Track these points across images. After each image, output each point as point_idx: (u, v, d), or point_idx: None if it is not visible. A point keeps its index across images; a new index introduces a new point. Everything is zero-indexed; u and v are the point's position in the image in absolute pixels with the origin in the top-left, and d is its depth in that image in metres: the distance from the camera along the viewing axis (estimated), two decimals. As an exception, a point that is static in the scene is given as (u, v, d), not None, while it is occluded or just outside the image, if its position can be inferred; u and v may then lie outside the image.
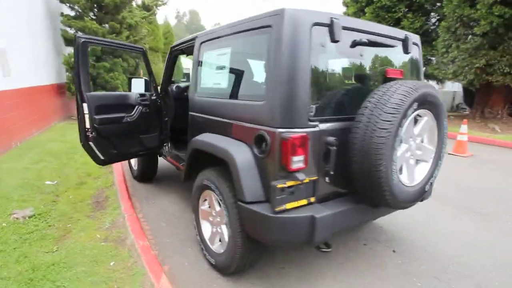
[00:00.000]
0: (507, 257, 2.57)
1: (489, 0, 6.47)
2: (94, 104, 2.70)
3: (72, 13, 8.32)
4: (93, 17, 8.49)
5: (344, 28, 1.81)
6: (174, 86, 3.80)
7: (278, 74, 1.71)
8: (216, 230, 2.33)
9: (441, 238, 2.86)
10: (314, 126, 1.77)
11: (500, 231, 3.02)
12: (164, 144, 3.51)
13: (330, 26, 1.77)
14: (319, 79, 1.83)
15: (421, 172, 2.05)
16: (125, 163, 4.65)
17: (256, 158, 1.87)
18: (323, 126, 1.81)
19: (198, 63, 2.55)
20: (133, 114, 3.05)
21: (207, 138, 2.22)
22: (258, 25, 1.88)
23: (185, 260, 2.48)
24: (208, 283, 2.20)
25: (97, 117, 2.72)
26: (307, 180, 1.76)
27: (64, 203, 3.34)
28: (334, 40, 1.78)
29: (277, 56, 1.71)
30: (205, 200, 2.42)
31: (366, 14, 9.94)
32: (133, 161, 4.36)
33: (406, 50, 2.22)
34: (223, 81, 2.24)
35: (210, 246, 2.38)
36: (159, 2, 17.32)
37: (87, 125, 2.69)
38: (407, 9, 9.28)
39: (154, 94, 3.28)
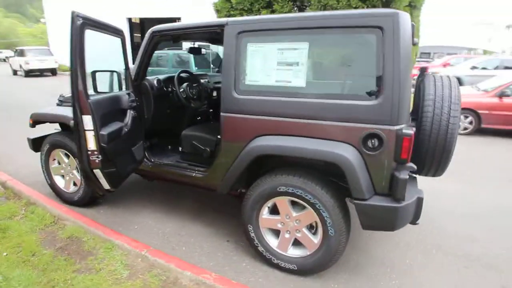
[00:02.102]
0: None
1: (348, -6, 8.07)
2: (99, 114, 1.86)
3: None
4: None
5: None
6: (154, 80, 3.00)
7: (394, 75, 1.80)
8: (290, 235, 2.25)
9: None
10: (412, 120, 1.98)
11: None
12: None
13: (413, 28, 1.97)
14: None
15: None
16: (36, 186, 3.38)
17: (363, 155, 1.93)
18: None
19: (237, 56, 2.19)
20: (127, 122, 2.29)
21: (287, 142, 2.05)
22: (360, 24, 1.85)
23: (254, 276, 2.28)
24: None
25: (104, 133, 1.90)
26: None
27: (8, 268, 2.22)
28: (414, 43, 2.00)
29: (394, 57, 1.78)
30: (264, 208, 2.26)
31: (237, -5, 10.28)
32: (62, 182, 3.26)
33: None
34: (297, 79, 2.05)
35: (283, 253, 2.29)
36: None
37: (91, 146, 1.85)
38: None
39: (131, 93, 2.53)
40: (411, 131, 1.84)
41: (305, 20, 1.99)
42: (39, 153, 3.29)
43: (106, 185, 2.11)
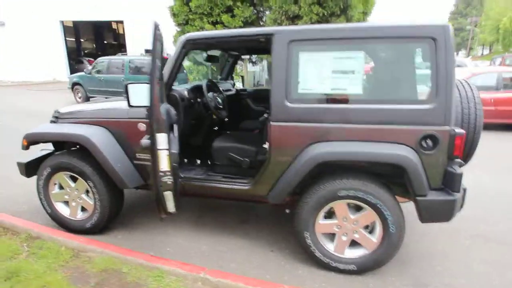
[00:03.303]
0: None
1: (308, 1, 8.48)
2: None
3: None
4: None
5: None
6: (184, 91, 2.79)
7: (447, 80, 1.99)
8: (347, 237, 2.33)
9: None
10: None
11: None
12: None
13: None
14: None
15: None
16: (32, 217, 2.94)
17: (420, 155, 2.09)
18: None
19: (288, 65, 2.20)
20: (176, 137, 2.13)
21: (350, 148, 2.12)
22: (414, 35, 2.01)
23: (316, 282, 2.30)
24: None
25: (175, 151, 1.74)
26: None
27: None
28: None
29: (447, 64, 1.97)
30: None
31: (192, 0, 10.07)
32: (66, 209, 2.91)
33: None
34: (353, 86, 2.13)
35: (341, 255, 2.36)
36: None
37: (164, 166, 1.68)
38: (236, -2, 10.26)
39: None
40: (463, 130, 2.06)
41: (361, 31, 2.09)
42: (26, 177, 2.88)
43: (172, 208, 1.93)
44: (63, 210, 2.92)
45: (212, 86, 3.21)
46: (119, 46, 27.65)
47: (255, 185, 2.46)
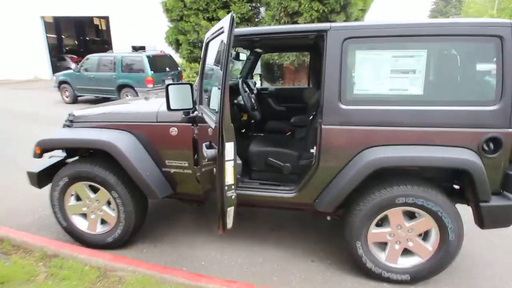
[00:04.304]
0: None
1: (309, -3, 8.38)
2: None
3: None
4: None
5: None
6: None
7: (513, 81, 1.89)
8: (400, 245, 2.21)
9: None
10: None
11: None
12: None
13: None
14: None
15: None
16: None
17: (482, 159, 1.98)
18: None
19: (342, 64, 2.04)
20: None
21: (410, 152, 1.98)
22: (479, 33, 1.89)
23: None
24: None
25: (240, 161, 1.55)
26: None
27: None
28: None
29: (514, 65, 1.87)
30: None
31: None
32: (84, 222, 2.66)
33: None
34: (414, 86, 1.99)
35: (393, 265, 2.24)
36: None
37: (230, 179, 1.49)
38: (233, -6, 9.97)
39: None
40: (527, 132, 1.96)
41: (423, 28, 1.95)
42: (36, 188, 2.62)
43: (230, 223, 1.73)
44: (81, 224, 2.66)
45: (245, 85, 3.02)
46: (102, 43, 26.71)
47: (301, 192, 2.30)
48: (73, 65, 16.46)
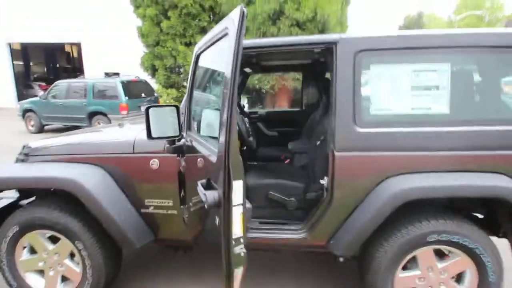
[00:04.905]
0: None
1: (287, 22, 8.36)
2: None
3: None
4: None
5: None
6: None
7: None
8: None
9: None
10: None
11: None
12: None
13: None
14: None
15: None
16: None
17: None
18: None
19: (356, 80, 1.76)
20: None
21: (441, 181, 1.68)
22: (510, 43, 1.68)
23: None
24: None
25: (250, 205, 1.16)
26: None
27: None
28: None
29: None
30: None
31: (171, 19, 9.52)
32: (40, 281, 2.12)
33: None
34: (438, 105, 1.73)
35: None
36: None
37: (238, 231, 1.09)
38: (211, 19, 9.86)
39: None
40: None
41: (446, 38, 1.72)
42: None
43: (237, 286, 1.29)
44: (36, 283, 2.12)
45: (238, 107, 2.67)
46: (74, 70, 25.87)
47: (311, 233, 1.92)
48: (41, 93, 15.63)
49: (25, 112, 9.99)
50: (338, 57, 1.76)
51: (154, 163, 1.94)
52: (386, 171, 1.77)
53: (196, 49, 1.85)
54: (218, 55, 1.44)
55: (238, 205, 1.11)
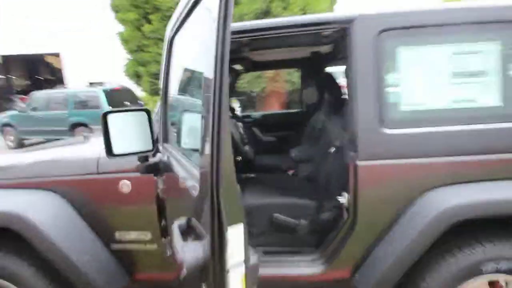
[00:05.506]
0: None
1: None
2: None
3: None
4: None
5: None
6: None
7: None
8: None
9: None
10: None
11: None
12: None
13: None
14: None
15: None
16: None
17: None
18: None
19: (379, 68, 1.37)
20: None
21: (502, 193, 1.30)
22: None
23: None
24: None
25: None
26: None
27: None
28: None
29: None
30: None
31: (153, 23, 9.08)
32: None
33: None
34: (487, 95, 1.35)
35: None
36: None
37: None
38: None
39: None
40: None
41: (495, 11, 1.34)
42: None
43: None
44: None
45: (229, 111, 2.23)
46: (58, 82, 25.17)
47: (330, 264, 1.51)
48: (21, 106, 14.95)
49: (2, 127, 9.39)
50: (356, 40, 1.37)
51: (125, 186, 1.50)
52: (426, 182, 1.37)
53: (168, 31, 1.41)
54: (196, 31, 1.01)
55: (236, 266, 0.68)
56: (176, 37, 1.29)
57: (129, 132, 1.24)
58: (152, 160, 1.35)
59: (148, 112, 1.31)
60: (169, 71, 1.36)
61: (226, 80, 0.71)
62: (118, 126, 1.20)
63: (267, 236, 1.74)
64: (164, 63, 1.39)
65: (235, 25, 1.47)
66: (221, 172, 0.68)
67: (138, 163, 1.30)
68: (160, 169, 1.36)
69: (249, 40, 1.60)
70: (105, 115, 1.18)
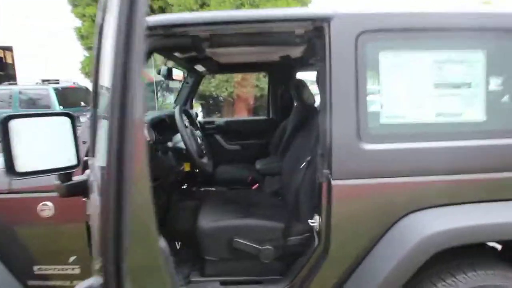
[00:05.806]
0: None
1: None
2: None
3: None
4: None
5: None
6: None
7: None
8: None
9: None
10: None
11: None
12: None
13: None
14: None
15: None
16: None
17: None
18: None
19: (358, 75, 1.20)
20: None
21: (489, 217, 1.18)
22: None
23: None
24: None
25: None
26: None
27: None
28: None
29: None
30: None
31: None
32: None
33: None
34: (470, 108, 1.23)
35: None
36: None
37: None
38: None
39: None
40: None
41: (481, 17, 1.23)
42: None
43: None
44: None
45: (186, 117, 1.94)
46: (8, 77, 23.07)
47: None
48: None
49: None
50: (333, 41, 1.19)
51: (46, 208, 1.19)
52: (408, 204, 1.22)
53: (98, 18, 1.12)
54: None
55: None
56: (106, 23, 1.02)
57: (43, 143, 0.94)
58: (77, 178, 1.06)
59: (71, 117, 1.01)
60: (99, 64, 1.08)
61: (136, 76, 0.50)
62: (27, 135, 0.89)
63: (225, 264, 1.49)
64: (94, 55, 1.11)
65: (187, 16, 1.23)
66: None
67: (57, 182, 1.00)
68: (88, 188, 1.07)
69: (208, 35, 1.36)
70: (6, 120, 0.86)
